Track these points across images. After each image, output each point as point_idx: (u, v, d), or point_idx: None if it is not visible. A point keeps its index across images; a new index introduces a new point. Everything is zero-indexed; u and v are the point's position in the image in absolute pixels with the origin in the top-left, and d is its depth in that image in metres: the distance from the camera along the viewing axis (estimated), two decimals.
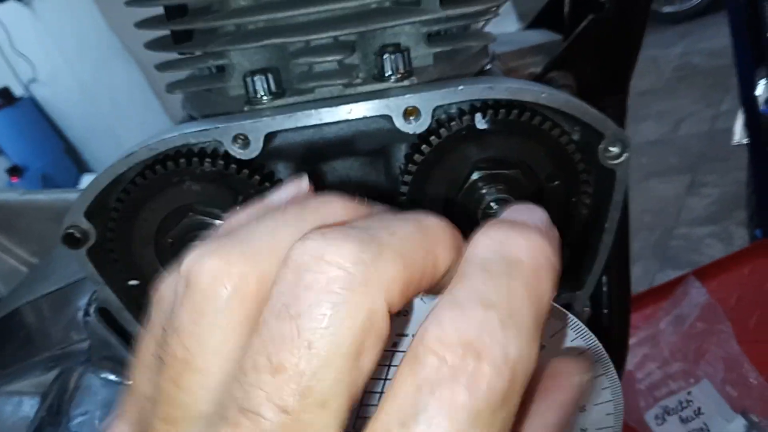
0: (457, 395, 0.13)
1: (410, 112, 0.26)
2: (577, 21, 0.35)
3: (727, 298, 0.86)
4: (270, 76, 0.28)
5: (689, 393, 0.81)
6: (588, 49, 0.35)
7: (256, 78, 0.28)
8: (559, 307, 0.23)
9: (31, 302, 0.50)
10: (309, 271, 0.14)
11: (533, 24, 0.44)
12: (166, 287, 0.18)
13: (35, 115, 3.35)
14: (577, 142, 0.30)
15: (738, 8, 1.16)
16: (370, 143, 0.29)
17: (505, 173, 0.29)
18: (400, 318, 0.18)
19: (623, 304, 0.44)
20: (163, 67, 0.32)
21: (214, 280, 0.16)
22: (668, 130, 2.68)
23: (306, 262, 0.14)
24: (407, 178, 0.29)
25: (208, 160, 0.27)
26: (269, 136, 0.27)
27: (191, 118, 0.32)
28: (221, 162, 0.27)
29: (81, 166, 3.54)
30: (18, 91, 3.29)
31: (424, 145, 0.28)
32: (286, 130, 0.27)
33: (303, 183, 0.20)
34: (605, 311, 0.43)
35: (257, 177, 0.28)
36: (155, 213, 0.29)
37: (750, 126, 1.22)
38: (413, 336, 0.15)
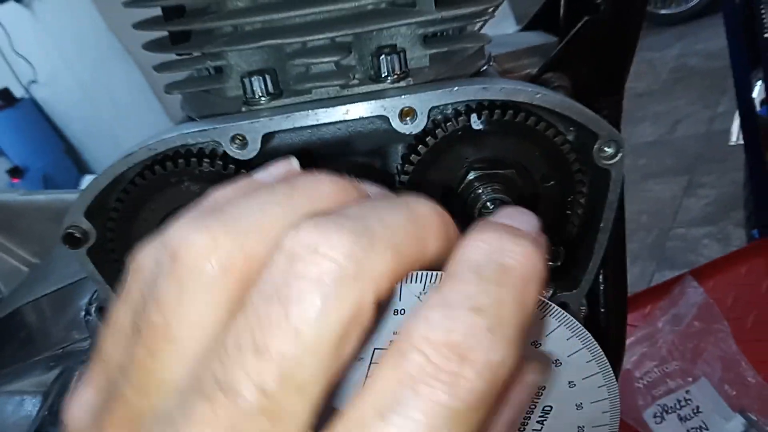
0: (438, 394, 0.14)
1: (406, 113, 0.27)
2: (572, 23, 0.36)
3: (724, 297, 0.87)
4: (267, 77, 0.28)
5: (687, 392, 0.81)
6: (583, 50, 0.35)
7: (253, 79, 0.28)
8: (555, 305, 0.23)
9: (32, 302, 0.50)
10: (302, 261, 0.15)
11: (529, 26, 0.44)
12: (147, 257, 0.18)
13: (35, 116, 3.35)
14: (572, 142, 0.30)
15: (734, 10, 1.16)
16: (367, 144, 0.29)
17: (500, 173, 0.30)
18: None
19: (620, 303, 0.44)
20: (161, 68, 0.32)
21: (201, 256, 0.15)
22: (665, 132, 2.69)
23: (299, 252, 0.15)
24: (404, 178, 0.29)
25: (206, 160, 0.27)
26: (267, 137, 0.27)
27: (190, 119, 0.33)
28: (219, 162, 0.28)
29: (81, 167, 3.54)
30: (18, 92, 3.29)
31: (420, 146, 0.28)
32: (284, 131, 0.27)
33: (292, 162, 0.20)
34: (602, 310, 0.43)
35: None
36: (155, 213, 0.29)
37: (746, 127, 1.22)
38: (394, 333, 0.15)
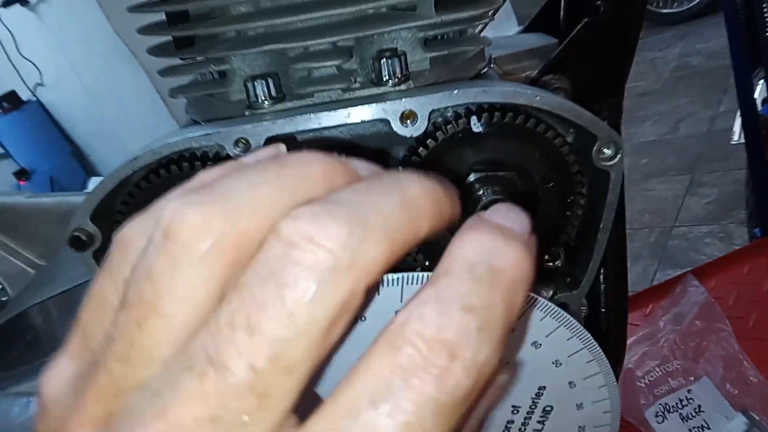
0: (427, 387, 0.14)
1: (407, 116, 0.27)
2: (572, 24, 0.36)
3: (726, 296, 0.87)
4: (270, 81, 0.28)
5: (689, 391, 0.81)
6: (583, 52, 0.36)
7: (256, 83, 0.28)
8: (555, 306, 0.23)
9: (39, 304, 0.51)
10: (298, 249, 0.15)
11: (530, 27, 0.44)
12: (136, 232, 0.18)
13: (42, 119, 3.36)
14: (572, 144, 0.30)
15: (735, 10, 1.16)
16: (369, 146, 0.30)
17: (500, 175, 0.30)
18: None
19: (620, 303, 0.44)
20: (165, 72, 0.33)
21: (194, 234, 0.16)
22: (667, 131, 2.68)
23: (296, 241, 0.15)
24: None
25: (210, 163, 0.28)
26: (270, 140, 0.27)
27: (194, 123, 0.33)
28: None
29: (87, 169, 3.55)
30: (24, 94, 3.31)
31: (420, 148, 0.29)
32: (287, 134, 0.28)
33: (280, 147, 0.20)
34: (602, 310, 0.43)
35: None
36: None
37: (748, 126, 1.22)
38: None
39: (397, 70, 0.28)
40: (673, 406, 0.81)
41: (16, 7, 2.96)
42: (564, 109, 0.28)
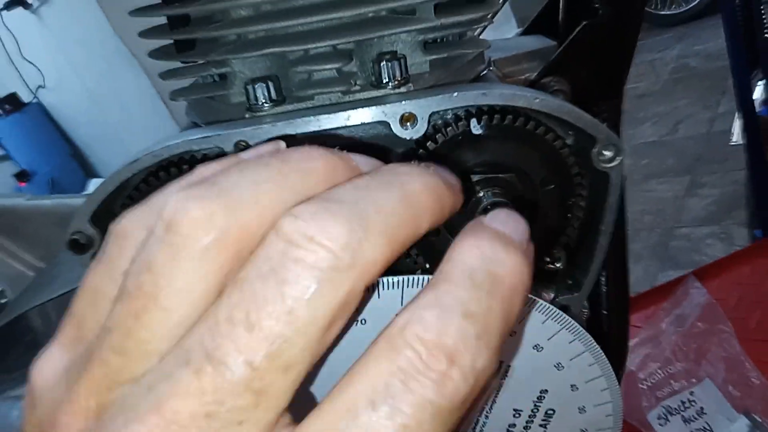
0: (427, 391, 0.14)
1: (407, 118, 0.27)
2: (571, 27, 0.36)
3: (728, 297, 0.87)
4: (270, 84, 0.28)
5: (691, 393, 0.81)
6: (582, 54, 0.36)
7: (257, 86, 0.28)
8: (556, 309, 0.23)
9: (38, 307, 0.51)
10: (299, 248, 0.15)
11: (529, 30, 0.44)
12: (134, 224, 0.18)
13: (42, 121, 3.37)
14: (571, 146, 0.30)
15: (733, 11, 1.16)
16: (369, 149, 0.30)
17: (500, 177, 0.30)
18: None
19: (622, 306, 0.44)
20: (166, 75, 0.33)
21: (197, 228, 0.16)
22: (666, 132, 2.68)
23: (296, 239, 0.15)
24: None
25: None
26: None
27: (195, 125, 0.33)
28: None
29: (88, 171, 3.56)
30: (26, 96, 3.32)
31: (420, 150, 0.29)
32: (287, 137, 0.28)
33: (280, 144, 0.20)
34: (604, 312, 0.43)
35: None
36: None
37: (747, 127, 1.22)
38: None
39: (397, 73, 0.28)
40: (675, 409, 0.81)
41: (18, 10, 2.98)
42: (563, 111, 0.28)
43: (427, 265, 0.31)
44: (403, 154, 0.29)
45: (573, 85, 0.35)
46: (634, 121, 2.78)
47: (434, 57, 0.30)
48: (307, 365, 0.15)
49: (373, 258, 0.15)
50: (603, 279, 0.41)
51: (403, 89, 0.29)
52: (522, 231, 0.18)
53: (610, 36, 0.36)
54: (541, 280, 0.34)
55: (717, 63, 2.93)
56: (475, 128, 0.28)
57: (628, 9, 0.37)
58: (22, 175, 3.22)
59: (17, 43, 3.08)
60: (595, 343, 0.24)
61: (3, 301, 0.62)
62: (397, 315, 0.17)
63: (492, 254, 0.16)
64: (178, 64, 0.33)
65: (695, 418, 0.81)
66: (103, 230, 0.29)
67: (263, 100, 0.29)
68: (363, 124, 0.27)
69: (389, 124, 0.27)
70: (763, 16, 1.11)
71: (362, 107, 0.27)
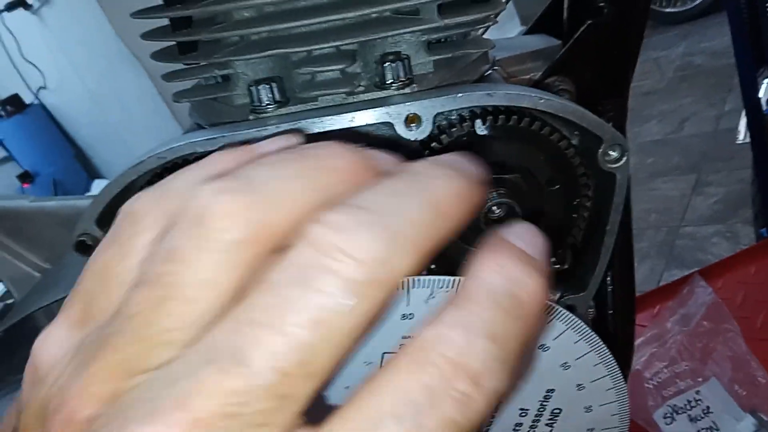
0: (450, 409, 0.15)
1: (411, 119, 0.27)
2: (575, 26, 0.36)
3: (733, 296, 0.86)
4: (274, 86, 0.28)
5: (698, 392, 0.81)
6: (587, 54, 0.36)
7: (260, 87, 0.28)
8: (562, 309, 0.23)
9: (44, 308, 0.51)
10: (328, 257, 0.15)
11: (533, 29, 0.44)
12: (146, 207, 0.17)
13: (45, 122, 3.38)
14: (577, 146, 0.30)
15: (738, 8, 1.16)
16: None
17: (506, 178, 0.30)
18: None
19: (627, 305, 0.44)
20: (169, 77, 0.33)
21: (227, 222, 0.16)
22: (672, 130, 2.68)
23: (326, 249, 0.15)
24: None
25: None
26: None
27: (198, 127, 0.33)
28: None
29: (91, 172, 3.57)
30: (28, 98, 3.33)
31: (425, 151, 0.29)
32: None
33: (297, 137, 0.20)
34: (610, 312, 0.43)
35: None
36: None
37: (753, 125, 1.21)
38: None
39: (401, 74, 0.28)
40: (681, 408, 0.80)
41: (20, 11, 2.99)
42: (568, 111, 0.28)
43: (432, 266, 0.31)
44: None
45: (578, 85, 0.35)
46: (640, 119, 2.77)
47: (438, 57, 0.30)
48: (330, 372, 0.15)
49: (401, 271, 0.16)
50: (608, 279, 0.41)
51: (407, 90, 0.28)
52: (542, 250, 0.18)
53: (615, 35, 0.36)
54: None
55: (723, 60, 2.92)
56: (480, 129, 0.28)
57: (632, 7, 0.36)
58: (25, 177, 3.23)
59: (18, 44, 3.09)
60: (601, 343, 0.24)
61: (9, 302, 0.63)
62: (403, 317, 0.17)
63: (515, 276, 0.16)
64: (180, 66, 0.33)
65: (701, 417, 0.80)
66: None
67: (267, 102, 0.28)
68: (367, 125, 0.27)
69: (394, 126, 0.27)
70: None
71: (366, 108, 0.27)
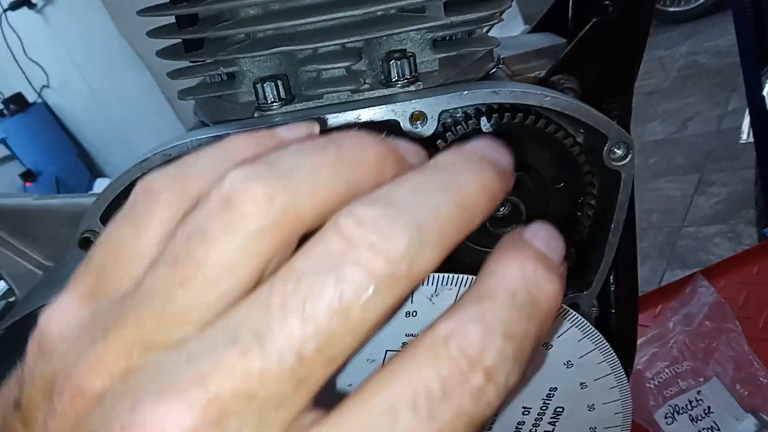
0: (464, 402, 0.15)
1: (417, 117, 0.27)
2: (580, 24, 0.36)
3: (736, 297, 0.86)
4: (279, 83, 0.28)
5: (699, 392, 0.81)
6: (592, 52, 0.36)
7: (265, 85, 0.28)
8: (566, 307, 0.23)
9: (46, 305, 0.51)
10: (358, 251, 0.15)
11: (537, 27, 0.44)
12: (164, 185, 0.17)
13: (48, 121, 3.39)
14: (582, 144, 0.30)
15: (742, 7, 1.15)
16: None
17: None
18: None
19: (631, 304, 0.44)
20: (174, 74, 0.33)
21: (256, 207, 0.16)
22: (675, 130, 2.67)
23: (357, 243, 0.15)
24: None
25: None
26: None
27: (203, 125, 0.33)
28: None
29: (93, 170, 3.57)
30: (31, 96, 3.33)
31: (431, 149, 0.29)
32: None
33: (315, 128, 0.20)
34: (613, 311, 0.43)
35: None
36: None
37: (757, 125, 1.21)
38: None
39: (406, 72, 0.28)
40: (682, 408, 0.80)
41: (23, 10, 2.99)
42: (574, 109, 0.28)
43: None
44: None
45: (583, 83, 0.35)
46: (643, 119, 2.77)
47: (444, 55, 0.30)
48: (348, 358, 0.16)
49: (426, 268, 0.16)
50: (612, 278, 0.41)
51: (412, 87, 0.28)
52: (560, 252, 0.18)
53: (619, 33, 0.36)
54: None
55: (727, 60, 2.91)
56: (485, 126, 0.28)
57: (637, 6, 0.36)
58: (27, 175, 3.24)
59: (22, 43, 3.09)
60: (604, 341, 0.24)
61: (11, 299, 0.63)
62: (408, 314, 0.17)
63: (535, 277, 0.17)
64: (185, 64, 0.33)
65: (702, 417, 0.80)
66: None
67: (272, 99, 0.29)
68: (372, 122, 0.27)
69: (399, 123, 0.27)
70: None
71: (372, 106, 0.27)
